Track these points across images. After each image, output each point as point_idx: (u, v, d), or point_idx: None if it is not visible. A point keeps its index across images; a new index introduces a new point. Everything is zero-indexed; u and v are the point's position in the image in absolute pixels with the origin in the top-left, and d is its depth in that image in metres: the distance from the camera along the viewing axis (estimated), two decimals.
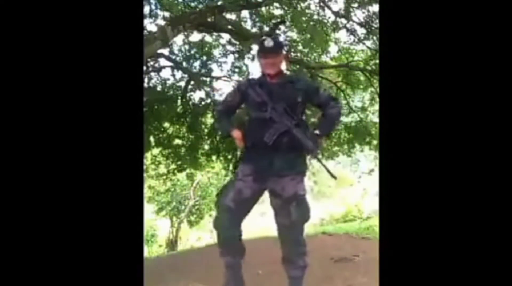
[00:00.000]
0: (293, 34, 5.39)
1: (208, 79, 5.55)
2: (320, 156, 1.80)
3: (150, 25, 4.92)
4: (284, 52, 2.01)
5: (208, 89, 5.46)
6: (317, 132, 1.85)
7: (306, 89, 1.88)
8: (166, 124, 5.58)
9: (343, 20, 5.15)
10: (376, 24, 4.80)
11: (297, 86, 1.86)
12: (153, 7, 4.84)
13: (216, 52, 5.66)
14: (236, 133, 1.87)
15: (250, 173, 1.83)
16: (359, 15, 5.00)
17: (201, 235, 11.11)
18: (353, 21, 5.09)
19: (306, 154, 1.84)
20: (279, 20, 5.04)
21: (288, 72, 2.15)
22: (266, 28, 5.16)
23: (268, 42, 1.82)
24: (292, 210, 1.77)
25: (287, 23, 5.09)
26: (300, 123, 1.82)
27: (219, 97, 5.54)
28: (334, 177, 1.87)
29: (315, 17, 5.02)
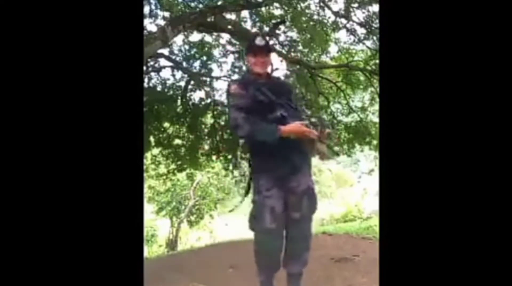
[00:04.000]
0: (293, 34, 5.39)
1: (208, 79, 5.55)
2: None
3: (150, 25, 4.92)
4: (273, 54, 2.01)
5: (208, 89, 5.46)
6: None
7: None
8: (166, 124, 5.58)
9: (343, 20, 5.16)
10: (376, 24, 4.80)
11: (284, 81, 1.87)
12: (153, 7, 4.85)
13: (216, 52, 5.67)
14: (298, 126, 1.67)
15: (273, 184, 1.77)
16: (359, 15, 5.01)
17: (201, 235, 11.11)
18: (353, 21, 5.10)
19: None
20: (279, 20, 5.05)
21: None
22: (266, 28, 5.17)
23: (260, 41, 1.80)
24: (304, 203, 1.79)
25: (287, 23, 5.10)
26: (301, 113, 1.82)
27: (219, 97, 5.56)
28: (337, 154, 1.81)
29: (315, 17, 5.03)
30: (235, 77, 5.44)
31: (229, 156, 5.52)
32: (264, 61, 1.83)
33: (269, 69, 1.88)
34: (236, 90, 1.80)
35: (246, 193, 1.93)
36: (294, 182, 1.79)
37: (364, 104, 6.52)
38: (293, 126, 1.68)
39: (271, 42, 4.53)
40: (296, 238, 1.83)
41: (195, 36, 5.55)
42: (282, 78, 1.93)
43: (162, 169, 6.62)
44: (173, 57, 5.34)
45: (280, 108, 1.76)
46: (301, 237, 1.84)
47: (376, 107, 6.12)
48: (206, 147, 5.68)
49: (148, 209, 10.03)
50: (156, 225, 10.91)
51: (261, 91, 1.77)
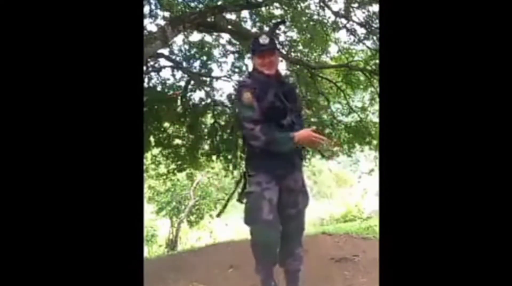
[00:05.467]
0: (293, 34, 5.39)
1: (208, 79, 5.55)
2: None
3: (150, 25, 4.92)
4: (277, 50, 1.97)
5: (208, 89, 5.47)
6: None
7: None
8: (166, 124, 5.58)
9: (343, 20, 5.16)
10: (376, 24, 4.80)
11: (291, 83, 1.94)
12: (153, 7, 4.85)
13: (216, 52, 5.66)
14: (307, 133, 1.68)
15: (271, 178, 1.79)
16: (359, 15, 5.01)
17: (201, 235, 11.10)
18: (353, 21, 5.09)
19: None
20: (279, 20, 5.04)
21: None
22: (266, 28, 5.17)
23: (264, 39, 1.76)
24: (299, 200, 1.85)
25: (287, 23, 5.09)
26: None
27: (219, 97, 5.56)
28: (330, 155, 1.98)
29: (315, 17, 5.03)
30: (235, 77, 5.44)
31: (229, 156, 5.52)
32: (271, 61, 1.79)
33: (276, 68, 1.85)
34: (248, 100, 1.74)
35: (240, 195, 1.93)
36: (291, 180, 1.83)
37: (364, 104, 6.52)
38: (305, 134, 1.68)
39: None
40: (292, 233, 1.86)
41: (195, 36, 5.56)
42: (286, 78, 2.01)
43: (162, 169, 6.61)
44: (173, 57, 5.34)
45: (290, 114, 1.80)
46: (297, 232, 1.88)
47: (376, 107, 6.12)
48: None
49: (148, 209, 10.02)
50: (156, 225, 10.90)
51: (278, 97, 1.77)
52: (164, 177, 6.84)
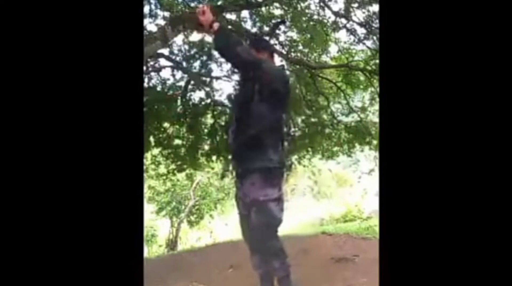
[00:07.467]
0: (293, 34, 5.39)
1: (208, 79, 5.55)
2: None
3: (150, 25, 4.92)
4: (268, 52, 2.02)
5: (208, 89, 5.46)
6: None
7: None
8: (166, 124, 5.58)
9: (343, 20, 5.15)
10: (376, 24, 4.80)
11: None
12: (153, 7, 4.85)
13: (216, 52, 5.65)
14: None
15: (236, 176, 1.92)
16: (359, 15, 5.00)
17: (201, 235, 11.11)
18: (353, 21, 5.09)
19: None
20: (279, 20, 5.04)
21: None
22: (266, 28, 5.17)
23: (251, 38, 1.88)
24: (252, 216, 1.73)
25: (287, 23, 5.09)
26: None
27: (219, 97, 5.56)
28: None
29: (315, 17, 5.03)
30: (235, 77, 5.43)
31: (229, 156, 5.51)
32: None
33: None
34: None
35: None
36: (240, 191, 1.81)
37: (364, 104, 6.52)
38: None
39: (271, 42, 4.54)
40: (255, 248, 1.82)
41: (195, 36, 5.54)
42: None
43: (162, 169, 6.62)
44: (173, 57, 5.34)
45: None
46: (259, 248, 1.80)
47: (376, 107, 6.12)
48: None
49: (148, 209, 10.03)
50: (156, 225, 10.91)
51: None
52: (164, 177, 6.85)
